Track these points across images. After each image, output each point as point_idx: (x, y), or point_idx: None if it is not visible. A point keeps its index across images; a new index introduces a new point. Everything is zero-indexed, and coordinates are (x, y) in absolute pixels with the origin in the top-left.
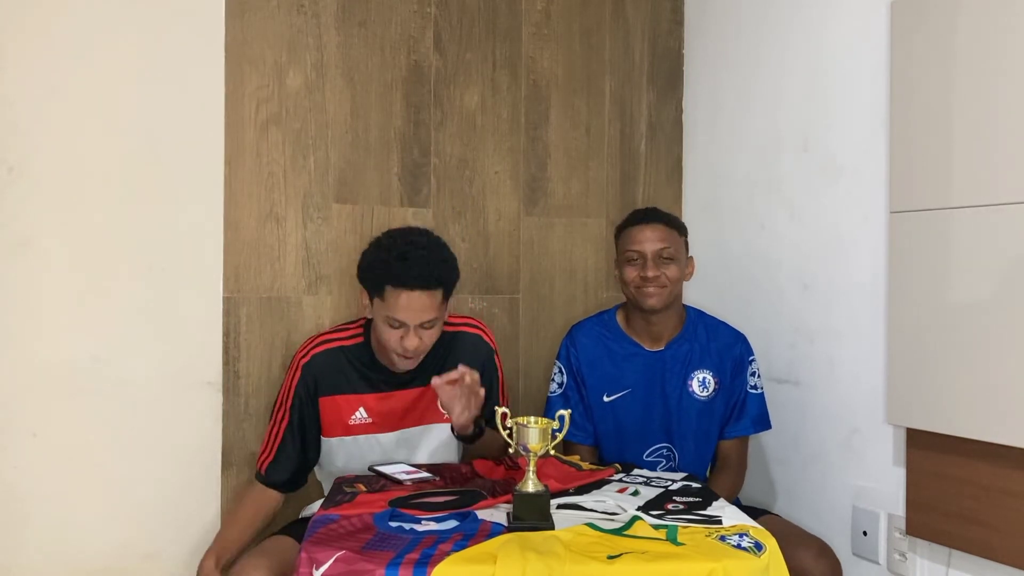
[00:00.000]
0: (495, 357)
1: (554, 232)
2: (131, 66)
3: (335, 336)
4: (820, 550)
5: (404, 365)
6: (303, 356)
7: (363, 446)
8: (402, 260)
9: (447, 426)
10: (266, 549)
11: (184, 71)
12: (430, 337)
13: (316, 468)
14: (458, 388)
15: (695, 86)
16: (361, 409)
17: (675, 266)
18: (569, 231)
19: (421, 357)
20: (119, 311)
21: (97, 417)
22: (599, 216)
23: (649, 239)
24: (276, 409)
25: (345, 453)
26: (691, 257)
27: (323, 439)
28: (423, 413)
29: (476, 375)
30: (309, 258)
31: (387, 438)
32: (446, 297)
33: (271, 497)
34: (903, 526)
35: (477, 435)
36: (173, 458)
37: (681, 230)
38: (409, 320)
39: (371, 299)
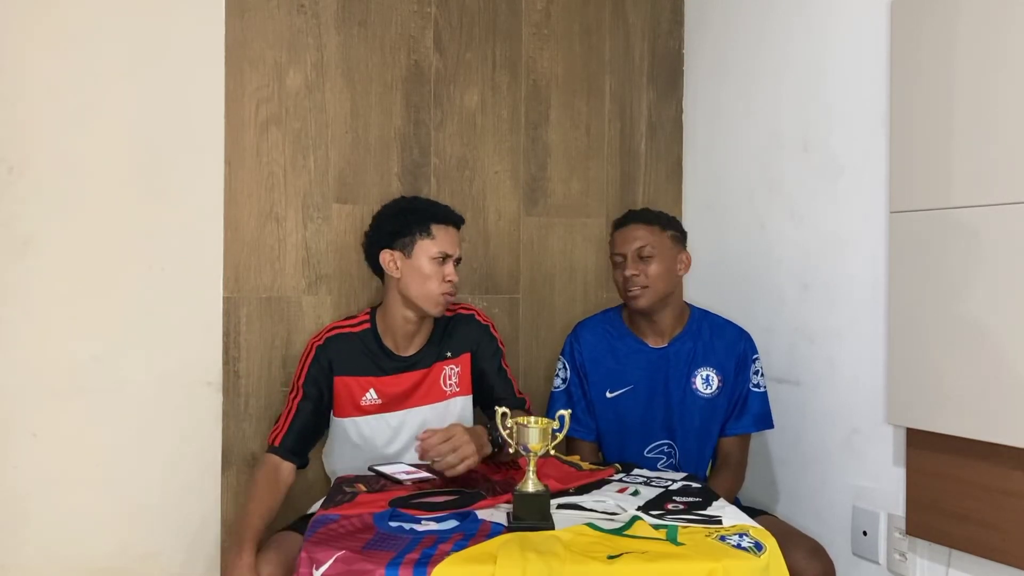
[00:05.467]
0: (491, 331)
1: (554, 232)
2: (131, 66)
3: (344, 324)
4: (813, 550)
5: (439, 308)
6: (318, 339)
7: (374, 426)
8: (437, 204)
9: (452, 402)
10: (274, 544)
11: (184, 71)
12: (457, 278)
13: (327, 455)
14: (435, 450)
15: (695, 86)
16: (372, 391)
17: (656, 263)
18: (569, 231)
19: (452, 300)
20: (119, 311)
21: (97, 417)
22: (599, 216)
23: (627, 240)
24: (290, 390)
25: (357, 433)
26: (685, 251)
27: (336, 419)
28: (427, 393)
29: (432, 439)
30: (309, 258)
31: (395, 418)
32: None
33: (285, 471)
34: (903, 526)
35: (496, 451)
36: (173, 458)
37: (664, 225)
38: (454, 252)
39: (411, 247)
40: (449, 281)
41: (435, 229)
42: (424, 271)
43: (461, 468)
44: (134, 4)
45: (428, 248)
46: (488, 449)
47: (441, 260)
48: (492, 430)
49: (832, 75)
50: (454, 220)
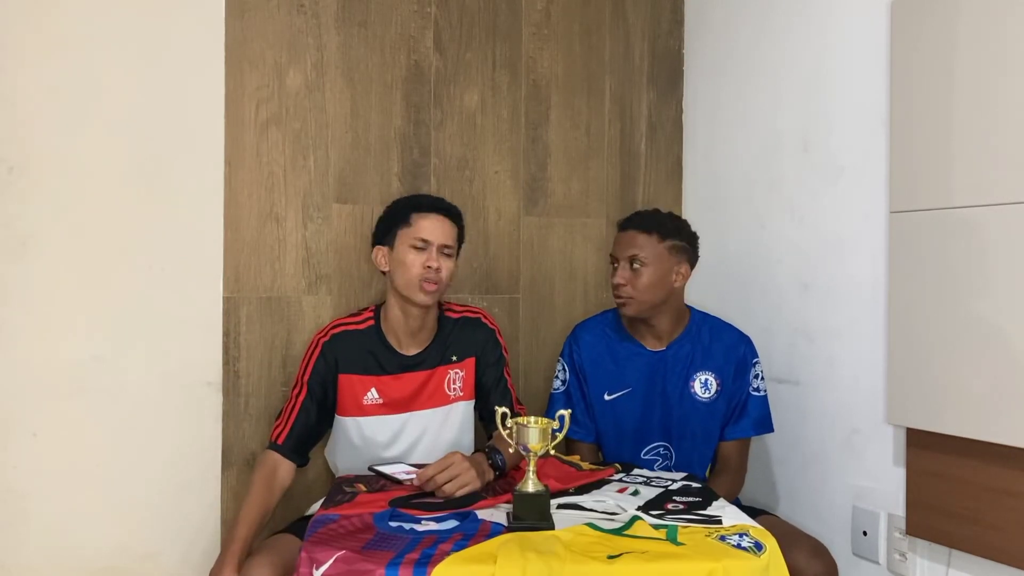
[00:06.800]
0: (496, 336)
1: (554, 232)
2: (131, 66)
3: (349, 321)
4: (814, 550)
5: (424, 298)
6: (323, 336)
7: (376, 427)
8: (426, 195)
9: (455, 406)
10: (270, 547)
11: (184, 71)
12: (447, 269)
13: (330, 452)
14: (431, 482)
15: (695, 86)
16: (373, 390)
17: (646, 274)
18: (569, 231)
19: (439, 293)
20: (119, 311)
21: (97, 417)
22: (599, 216)
23: (622, 245)
24: (293, 386)
25: (359, 433)
26: (684, 263)
27: (338, 418)
28: (431, 395)
29: (427, 472)
30: (309, 258)
31: (397, 420)
32: (458, 242)
33: (284, 471)
34: (903, 526)
35: (501, 467)
36: (173, 458)
37: (665, 234)
38: (433, 239)
39: (393, 239)
40: (428, 267)
41: (415, 217)
42: (404, 260)
43: (462, 492)
44: (134, 4)
45: (406, 236)
46: (490, 475)
47: (421, 247)
48: (492, 453)
49: (832, 75)
50: (438, 208)
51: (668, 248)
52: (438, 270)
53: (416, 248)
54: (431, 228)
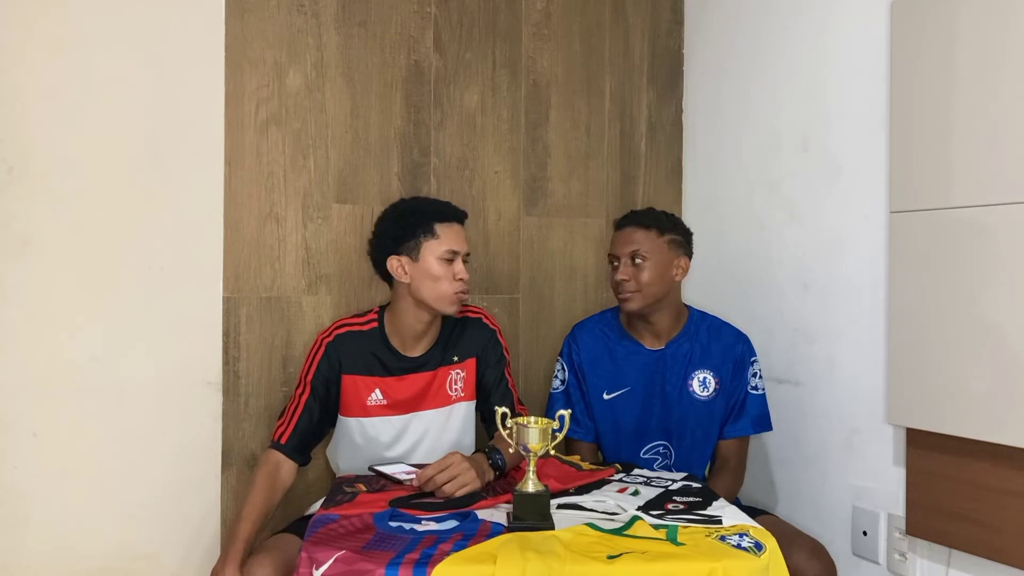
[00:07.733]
0: (497, 336)
1: (554, 232)
2: (131, 66)
3: (354, 321)
4: (814, 550)
5: (454, 307)
6: (327, 336)
7: (379, 428)
8: (436, 202)
9: (456, 407)
10: (272, 546)
11: (184, 71)
12: (468, 275)
13: (332, 451)
14: (431, 482)
15: (695, 86)
16: (377, 391)
17: (648, 269)
18: (569, 231)
19: (466, 298)
20: (119, 311)
21: (97, 417)
22: (599, 216)
23: (622, 242)
24: (297, 385)
25: (361, 433)
26: (683, 257)
27: (341, 418)
28: (434, 396)
29: (427, 473)
30: (309, 258)
31: (400, 420)
32: None
33: (286, 471)
34: (903, 526)
35: (501, 467)
36: (173, 458)
37: (663, 229)
38: (461, 248)
39: (417, 250)
40: (460, 279)
41: (439, 228)
42: (433, 272)
43: (461, 492)
44: (134, 4)
45: (434, 248)
46: (490, 475)
47: (450, 258)
48: (492, 453)
49: (832, 75)
50: (457, 216)
51: (667, 242)
52: (466, 280)
53: (446, 260)
54: (456, 238)
